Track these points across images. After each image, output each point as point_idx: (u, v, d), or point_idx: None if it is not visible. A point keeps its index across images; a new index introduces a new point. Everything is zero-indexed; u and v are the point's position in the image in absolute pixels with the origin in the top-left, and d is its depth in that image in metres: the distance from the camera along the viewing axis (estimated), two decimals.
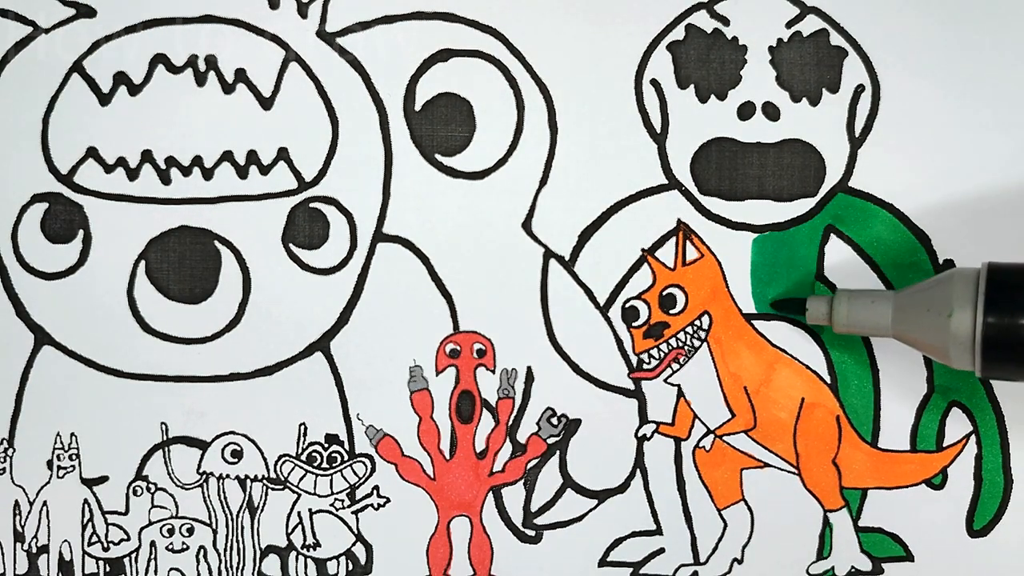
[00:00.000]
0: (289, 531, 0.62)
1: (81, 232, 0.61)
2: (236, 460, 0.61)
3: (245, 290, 0.61)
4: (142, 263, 0.61)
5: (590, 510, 0.62)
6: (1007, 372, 0.56)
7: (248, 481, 0.62)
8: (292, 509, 0.62)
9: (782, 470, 0.62)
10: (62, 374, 0.61)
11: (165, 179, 0.61)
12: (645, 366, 0.62)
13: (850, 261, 0.62)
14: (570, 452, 0.62)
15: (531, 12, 0.62)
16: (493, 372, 0.62)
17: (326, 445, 0.62)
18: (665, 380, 0.62)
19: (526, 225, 0.62)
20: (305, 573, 0.62)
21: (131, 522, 0.62)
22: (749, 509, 0.62)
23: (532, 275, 0.62)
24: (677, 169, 0.62)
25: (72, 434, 0.61)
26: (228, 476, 0.62)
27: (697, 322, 0.62)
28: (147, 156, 0.61)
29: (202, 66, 0.61)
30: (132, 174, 0.61)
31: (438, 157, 0.62)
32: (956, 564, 0.62)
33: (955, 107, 0.61)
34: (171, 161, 0.61)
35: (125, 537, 0.62)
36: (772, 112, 0.62)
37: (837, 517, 0.62)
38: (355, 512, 0.62)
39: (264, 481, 0.62)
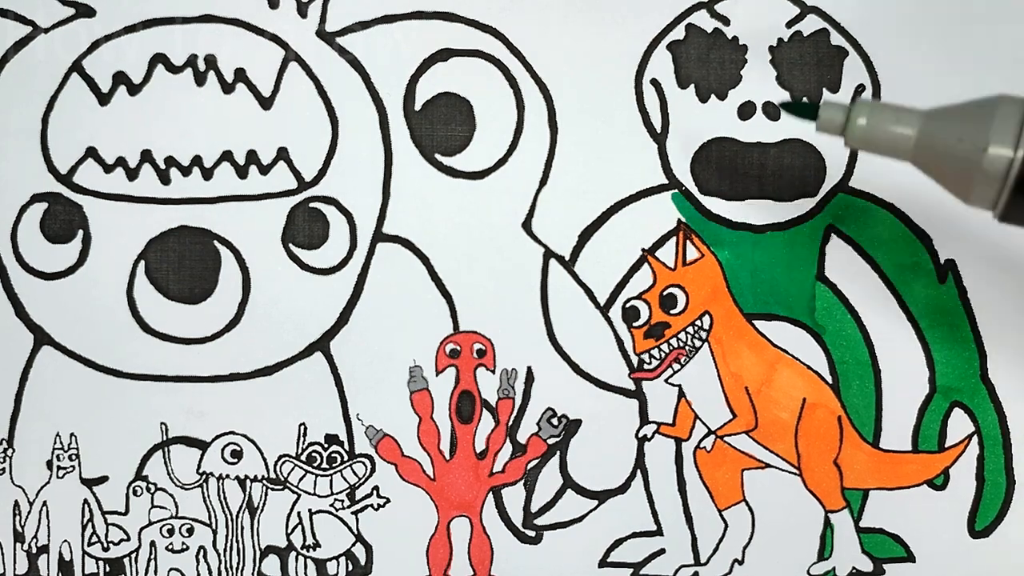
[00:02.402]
0: (289, 531, 0.62)
1: (80, 232, 0.61)
2: (236, 460, 0.61)
3: (245, 290, 0.61)
4: (142, 263, 0.61)
5: (590, 511, 0.62)
6: None
7: (248, 481, 0.61)
8: (292, 509, 0.62)
9: (783, 470, 0.62)
10: (62, 374, 0.61)
11: (165, 179, 0.61)
12: (646, 366, 0.62)
13: (850, 261, 0.61)
14: (570, 452, 0.62)
15: (531, 12, 0.62)
16: (493, 372, 0.62)
17: (326, 445, 0.62)
18: (666, 380, 0.62)
19: (526, 225, 0.62)
20: (305, 573, 0.62)
21: (131, 522, 0.62)
22: (750, 510, 0.62)
23: (532, 275, 0.62)
24: (677, 169, 0.62)
25: (72, 434, 0.61)
26: (228, 476, 0.61)
27: (698, 322, 0.62)
28: (147, 156, 0.61)
29: (202, 66, 0.61)
30: (132, 174, 0.61)
31: (438, 157, 0.62)
32: (958, 565, 0.62)
33: None
34: (170, 161, 0.61)
35: (125, 537, 0.62)
36: (772, 112, 0.62)
37: (838, 518, 0.62)
38: (355, 512, 0.62)
39: (264, 481, 0.62)
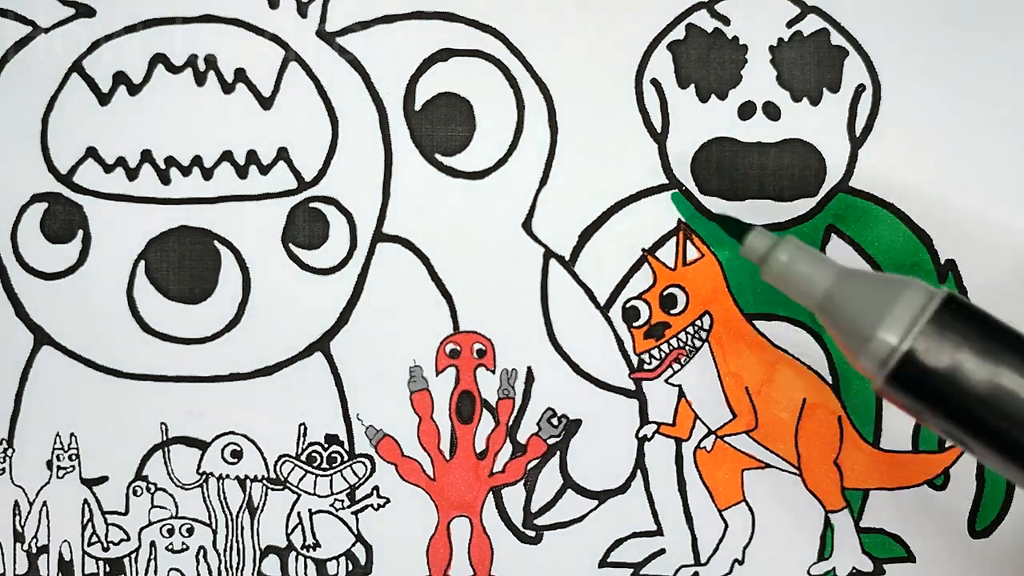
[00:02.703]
0: (289, 531, 0.62)
1: (80, 232, 0.61)
2: (236, 460, 0.61)
3: (245, 290, 0.61)
4: (142, 263, 0.61)
5: (590, 511, 0.62)
6: (902, 404, 0.51)
7: (248, 481, 0.61)
8: (292, 509, 0.62)
9: (783, 471, 0.62)
10: (62, 374, 0.61)
11: (165, 179, 0.61)
12: (646, 366, 0.62)
13: (850, 261, 0.61)
14: (570, 452, 0.62)
15: (531, 12, 0.62)
16: (493, 372, 0.62)
17: (326, 445, 0.61)
18: (666, 380, 0.62)
19: (526, 225, 0.62)
20: (305, 573, 0.62)
21: (131, 522, 0.62)
22: (750, 510, 0.62)
23: (532, 275, 0.62)
24: (677, 169, 0.62)
25: (72, 434, 0.61)
26: (228, 476, 0.61)
27: (698, 322, 0.62)
28: (147, 156, 0.61)
29: (202, 66, 0.61)
30: (132, 174, 0.61)
31: (438, 157, 0.62)
32: (958, 565, 0.62)
33: (955, 107, 0.61)
34: (171, 161, 0.61)
35: (125, 537, 0.62)
36: (772, 112, 0.62)
37: (838, 518, 0.62)
38: (355, 512, 0.62)
39: (264, 481, 0.62)
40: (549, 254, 0.62)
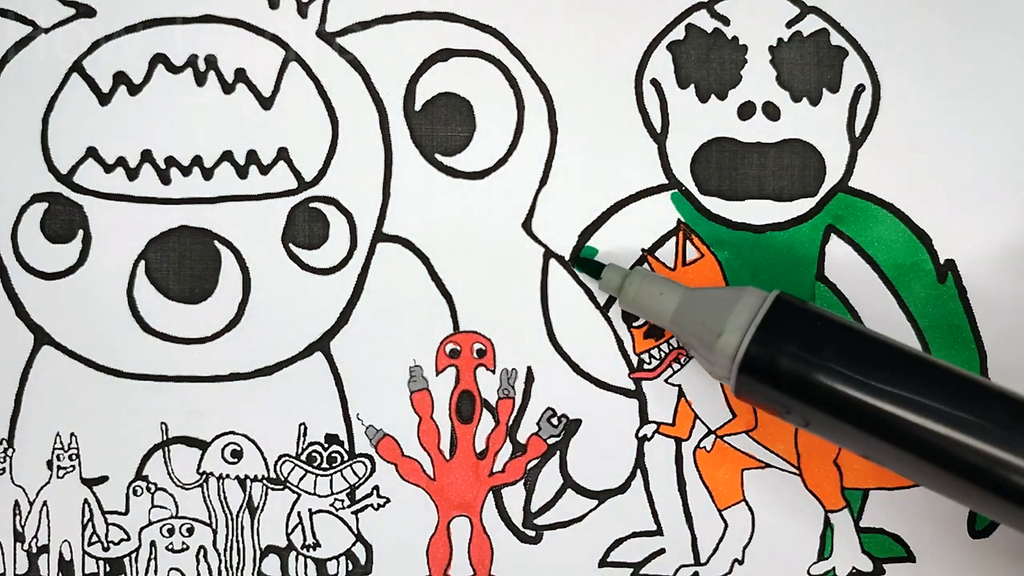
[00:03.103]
0: (289, 531, 0.62)
1: (81, 232, 0.61)
2: (236, 460, 0.61)
3: (245, 290, 0.61)
4: (142, 263, 0.61)
5: (590, 510, 0.62)
6: (756, 400, 0.57)
7: (248, 481, 0.62)
8: (292, 509, 0.62)
9: (783, 470, 0.62)
10: (62, 374, 0.61)
11: (165, 179, 0.61)
12: (646, 366, 0.62)
13: (850, 261, 0.61)
14: (570, 452, 0.62)
15: (531, 12, 0.62)
16: (493, 372, 0.62)
17: (326, 445, 0.62)
18: (666, 380, 0.62)
19: (526, 225, 0.62)
20: (305, 573, 0.62)
21: (131, 522, 0.62)
22: (750, 509, 0.62)
23: (532, 275, 0.62)
24: (677, 169, 0.62)
25: (72, 434, 0.61)
26: (228, 476, 0.62)
27: None
28: (147, 156, 0.61)
29: (202, 66, 0.61)
30: (132, 174, 0.61)
31: (438, 157, 0.62)
32: (957, 565, 0.62)
33: (955, 107, 0.61)
34: (171, 161, 0.61)
35: (125, 537, 0.62)
36: (772, 112, 0.62)
37: (838, 517, 0.62)
38: (355, 512, 0.62)
39: (264, 481, 0.62)
40: (549, 254, 0.62)
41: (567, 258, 0.62)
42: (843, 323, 0.56)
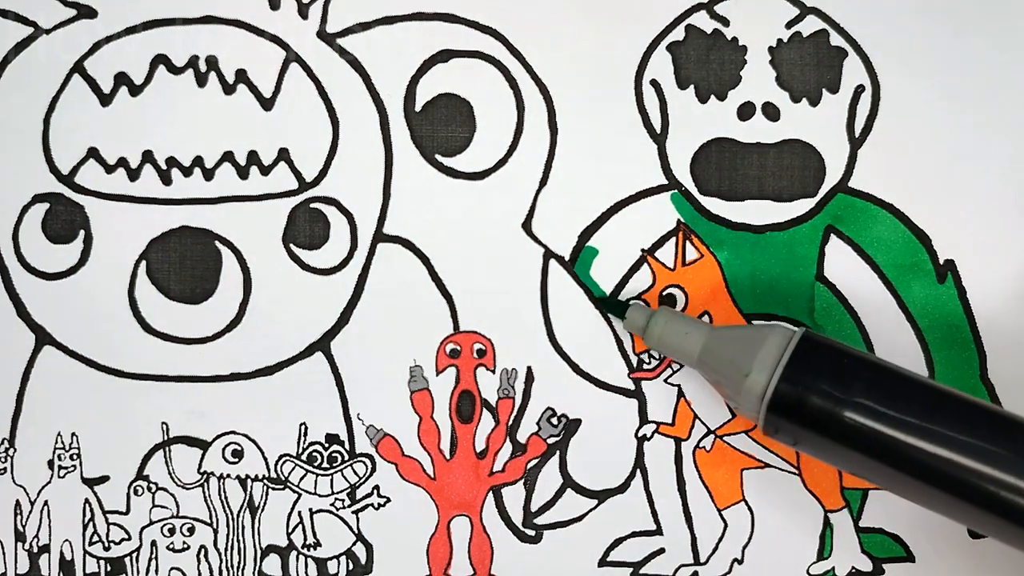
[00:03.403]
0: (290, 531, 0.62)
1: (82, 232, 0.61)
2: (237, 460, 0.62)
3: (246, 290, 0.61)
4: (143, 263, 0.61)
5: (590, 510, 0.62)
6: (786, 438, 0.56)
7: (249, 481, 0.62)
8: (292, 509, 0.62)
9: (782, 470, 0.62)
10: (63, 374, 0.61)
11: (166, 179, 0.61)
12: (645, 366, 0.62)
13: (850, 261, 0.62)
14: (570, 452, 0.62)
15: (531, 12, 0.62)
16: (493, 372, 0.62)
17: (326, 445, 0.62)
18: (665, 380, 0.62)
19: (526, 225, 0.62)
20: (306, 573, 0.62)
21: (132, 522, 0.62)
22: (749, 509, 0.62)
23: (532, 275, 0.62)
24: (677, 169, 0.62)
25: (73, 434, 0.61)
26: (229, 476, 0.62)
27: None
28: (148, 156, 0.61)
29: (203, 67, 0.61)
30: (133, 174, 0.61)
31: (438, 157, 0.62)
32: (957, 565, 0.62)
33: (955, 107, 0.61)
34: (172, 161, 0.61)
35: (126, 537, 0.62)
36: (772, 112, 0.62)
37: (838, 517, 0.62)
38: (355, 512, 0.62)
39: (265, 481, 0.62)
40: (549, 254, 0.62)
41: (567, 258, 0.62)
42: (869, 359, 0.56)
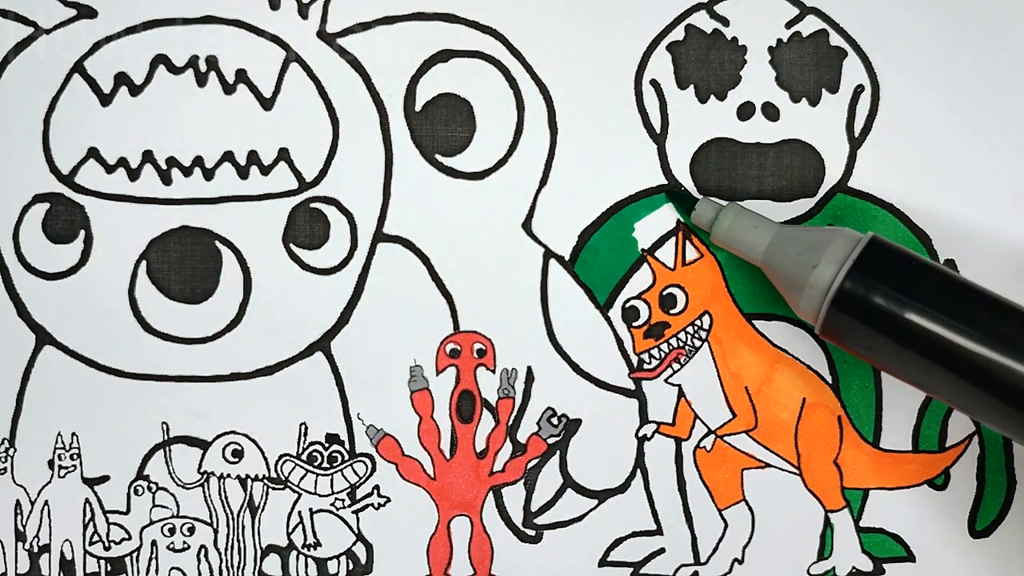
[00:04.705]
0: (290, 530, 0.62)
1: (82, 232, 0.61)
2: (237, 460, 0.62)
3: (246, 290, 0.61)
4: (143, 263, 0.61)
5: (590, 510, 0.62)
6: (842, 337, 0.57)
7: (249, 481, 0.62)
8: (293, 509, 0.62)
9: (783, 470, 0.62)
10: (63, 374, 0.61)
11: (166, 179, 0.61)
12: (645, 366, 0.62)
13: None
14: (570, 452, 0.62)
15: (531, 12, 0.62)
16: (493, 372, 0.62)
17: (326, 445, 0.62)
18: (666, 380, 0.62)
19: (526, 225, 0.62)
20: (306, 572, 0.62)
21: (132, 521, 0.62)
22: (750, 509, 0.62)
23: (532, 275, 0.62)
24: (677, 169, 0.62)
25: (73, 434, 0.61)
26: (229, 476, 0.62)
27: (698, 322, 0.62)
28: (148, 156, 0.61)
29: (203, 67, 0.61)
30: (133, 174, 0.61)
31: (438, 157, 0.62)
32: (958, 565, 0.62)
33: (955, 107, 0.61)
34: (172, 161, 0.61)
35: (126, 536, 0.62)
36: (772, 112, 0.62)
37: (838, 517, 0.62)
38: (355, 512, 0.62)
39: (265, 481, 0.62)
40: (549, 254, 0.62)
41: (567, 258, 0.62)
42: (935, 266, 0.56)
